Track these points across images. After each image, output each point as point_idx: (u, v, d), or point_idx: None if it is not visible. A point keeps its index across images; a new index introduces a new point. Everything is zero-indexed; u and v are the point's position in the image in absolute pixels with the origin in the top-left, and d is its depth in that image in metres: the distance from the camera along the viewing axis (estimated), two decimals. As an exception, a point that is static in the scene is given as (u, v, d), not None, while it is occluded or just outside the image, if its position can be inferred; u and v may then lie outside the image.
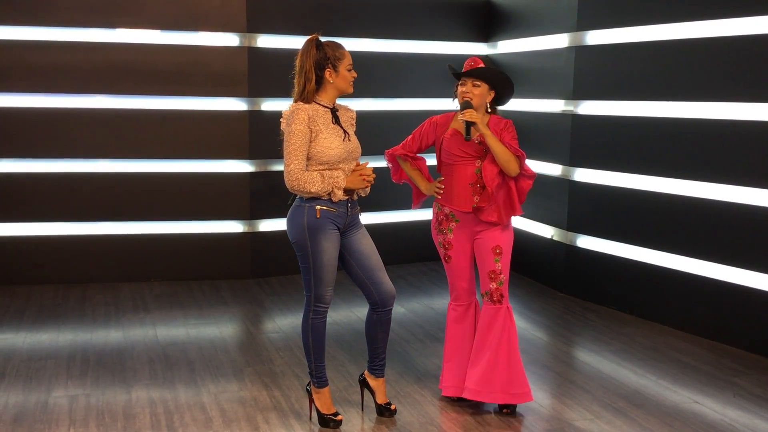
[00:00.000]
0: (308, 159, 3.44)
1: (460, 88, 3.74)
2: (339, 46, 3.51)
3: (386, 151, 3.99)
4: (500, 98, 3.79)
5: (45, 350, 4.62)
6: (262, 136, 6.20)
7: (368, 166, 3.57)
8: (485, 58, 3.78)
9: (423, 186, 3.92)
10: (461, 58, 3.80)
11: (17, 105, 5.87)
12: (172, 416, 3.74)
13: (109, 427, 3.60)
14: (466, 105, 3.68)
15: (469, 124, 3.63)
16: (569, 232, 5.94)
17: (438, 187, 3.83)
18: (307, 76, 3.45)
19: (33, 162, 5.96)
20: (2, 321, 5.13)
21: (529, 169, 3.74)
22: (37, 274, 6.02)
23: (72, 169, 6.02)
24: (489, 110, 3.78)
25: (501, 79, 3.74)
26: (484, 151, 3.72)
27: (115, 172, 6.08)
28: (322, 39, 3.51)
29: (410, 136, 3.92)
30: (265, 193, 6.23)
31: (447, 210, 3.84)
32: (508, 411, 3.80)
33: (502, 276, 3.76)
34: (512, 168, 3.67)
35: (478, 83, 3.70)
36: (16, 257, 5.99)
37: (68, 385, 4.10)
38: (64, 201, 6.02)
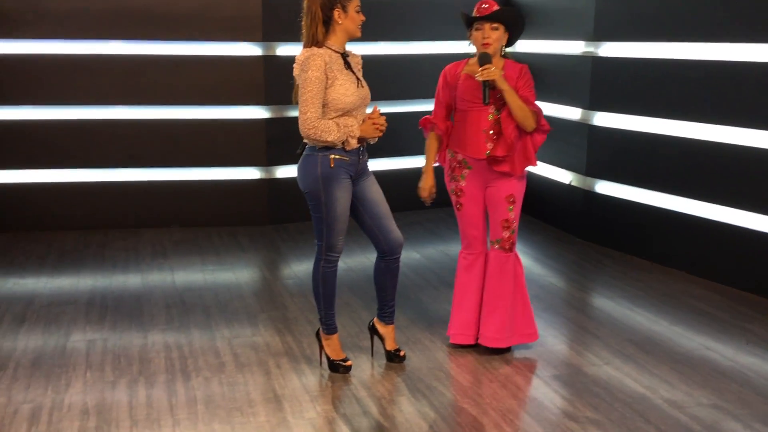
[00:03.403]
0: (323, 106, 3.40)
1: (476, 34, 3.65)
2: None
3: (422, 119, 3.91)
4: (511, 39, 3.71)
5: (65, 295, 4.72)
6: (277, 82, 6.12)
7: (380, 113, 3.52)
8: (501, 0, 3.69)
9: (426, 172, 3.91)
10: (474, 1, 3.70)
11: (35, 52, 5.87)
12: (186, 360, 3.82)
13: (124, 371, 3.70)
14: (485, 59, 3.57)
15: (486, 84, 3.55)
16: (588, 178, 5.86)
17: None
18: (315, 18, 3.38)
19: (51, 109, 5.99)
20: (24, 266, 5.24)
21: (546, 124, 3.70)
22: (58, 220, 6.11)
23: (90, 116, 6.04)
24: (502, 53, 3.71)
25: (517, 20, 3.66)
26: (498, 98, 3.66)
27: (133, 119, 6.09)
28: None
29: (435, 102, 3.84)
30: (281, 139, 6.21)
31: (460, 157, 3.80)
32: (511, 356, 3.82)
33: (514, 224, 3.75)
34: (529, 124, 3.63)
35: (496, 26, 3.62)
36: (38, 204, 6.08)
37: (86, 330, 4.19)
38: (84, 148, 6.06)
